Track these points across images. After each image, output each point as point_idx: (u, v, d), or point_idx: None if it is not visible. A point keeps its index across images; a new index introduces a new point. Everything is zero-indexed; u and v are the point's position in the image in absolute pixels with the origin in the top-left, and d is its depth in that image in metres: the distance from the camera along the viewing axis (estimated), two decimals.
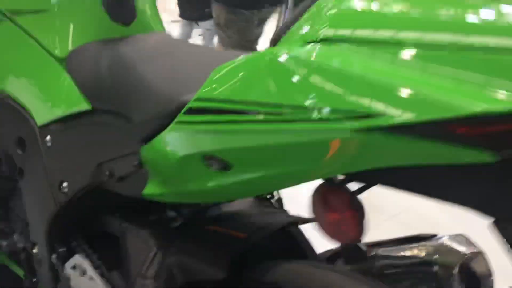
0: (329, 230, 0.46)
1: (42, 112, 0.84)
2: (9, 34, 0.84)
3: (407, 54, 0.35)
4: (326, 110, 0.37)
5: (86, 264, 0.80)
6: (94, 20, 0.83)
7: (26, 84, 0.86)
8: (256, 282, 0.70)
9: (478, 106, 0.31)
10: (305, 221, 0.79)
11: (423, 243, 0.81)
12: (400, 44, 0.36)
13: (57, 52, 0.82)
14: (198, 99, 0.47)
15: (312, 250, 0.83)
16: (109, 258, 0.84)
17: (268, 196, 0.93)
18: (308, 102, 0.38)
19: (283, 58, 0.41)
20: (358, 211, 0.44)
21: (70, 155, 0.82)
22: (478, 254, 0.76)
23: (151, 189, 0.67)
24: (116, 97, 0.70)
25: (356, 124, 0.35)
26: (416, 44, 0.35)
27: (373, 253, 0.88)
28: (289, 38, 0.45)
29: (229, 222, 0.82)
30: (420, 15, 0.38)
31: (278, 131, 0.40)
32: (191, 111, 0.48)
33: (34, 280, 1.09)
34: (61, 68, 0.81)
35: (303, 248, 0.82)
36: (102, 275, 0.79)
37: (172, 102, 0.54)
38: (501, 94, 0.31)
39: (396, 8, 0.38)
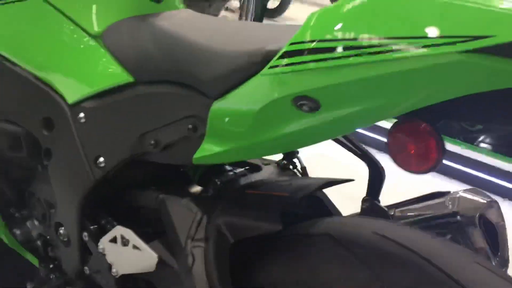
0: (414, 161, 0.52)
1: (75, 90, 0.85)
2: (39, 12, 0.86)
3: None
4: (432, 35, 0.43)
5: (129, 234, 0.82)
6: None
7: (56, 63, 0.87)
8: (303, 236, 0.75)
9: None
10: (337, 182, 0.86)
11: (441, 199, 0.89)
12: None
13: (92, 29, 0.84)
14: (294, 43, 0.52)
15: (339, 212, 0.89)
16: (150, 228, 0.87)
17: (291, 167, 0.99)
18: (412, 31, 0.43)
19: None
20: (439, 137, 0.51)
21: (107, 129, 0.83)
22: (493, 204, 0.85)
23: (205, 152, 0.70)
24: (168, 66, 0.73)
25: (464, 46, 0.41)
26: None
27: (392, 213, 0.96)
28: None
29: (265, 186, 0.87)
30: None
31: (377, 63, 0.46)
32: (286, 54, 0.52)
33: (51, 266, 1.09)
34: (97, 44, 0.84)
35: (331, 211, 0.88)
36: (147, 243, 0.81)
37: (256, 55, 0.58)
38: None
39: None
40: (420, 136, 0.51)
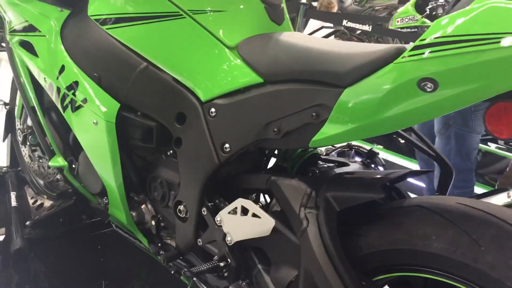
0: (506, 132, 0.72)
1: (209, 90, 1.08)
2: (188, 30, 1.10)
3: None
4: None
5: (249, 204, 1.01)
6: (258, 19, 1.11)
7: (195, 68, 1.10)
8: (396, 208, 0.94)
9: None
10: (417, 173, 1.05)
11: (503, 192, 1.07)
12: None
13: (229, 42, 1.08)
14: (422, 39, 0.73)
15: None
16: (265, 204, 1.06)
17: (372, 165, 1.18)
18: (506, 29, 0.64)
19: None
20: None
21: (234, 120, 1.04)
22: None
23: (324, 134, 0.90)
24: (298, 68, 0.94)
25: None
26: None
27: None
28: None
29: (359, 172, 1.06)
30: None
31: (482, 52, 0.66)
32: (416, 48, 0.73)
33: (159, 246, 1.28)
34: (232, 54, 1.07)
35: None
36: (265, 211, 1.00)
37: (390, 50, 0.79)
38: None
39: None
40: (509, 113, 0.71)
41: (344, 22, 3.12)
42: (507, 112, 0.73)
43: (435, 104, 0.75)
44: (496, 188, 1.10)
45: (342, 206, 0.93)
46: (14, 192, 1.97)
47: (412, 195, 1.06)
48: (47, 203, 1.85)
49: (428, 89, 0.73)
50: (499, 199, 1.04)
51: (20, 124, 1.86)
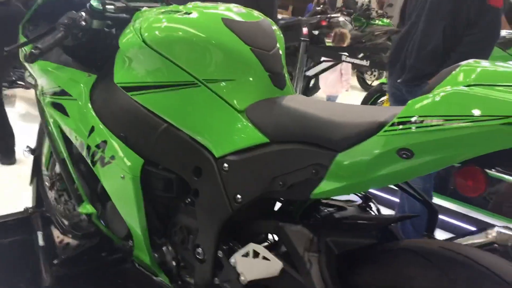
0: (470, 192, 0.87)
1: (222, 147, 1.24)
2: (202, 96, 1.27)
3: None
4: (480, 116, 0.79)
5: (260, 249, 1.17)
6: (263, 86, 1.27)
7: (209, 128, 1.26)
8: (389, 251, 1.08)
9: None
10: (407, 217, 1.20)
11: (482, 232, 1.21)
12: None
13: (239, 106, 1.24)
14: (401, 117, 0.89)
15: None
16: (273, 245, 1.21)
17: (367, 209, 1.33)
18: (474, 111, 0.80)
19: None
20: (487, 176, 0.86)
21: (245, 174, 1.20)
22: None
23: (322, 189, 1.05)
24: (299, 131, 1.11)
25: (496, 122, 0.77)
26: None
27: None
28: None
29: (355, 218, 1.22)
30: None
31: (451, 130, 0.82)
32: (396, 123, 0.89)
33: (179, 283, 1.43)
34: (242, 117, 1.23)
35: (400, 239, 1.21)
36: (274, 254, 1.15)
37: (375, 125, 0.96)
38: None
39: None
40: (474, 175, 0.87)
41: (344, 58, 3.31)
42: (473, 175, 0.89)
43: (411, 168, 0.91)
44: (478, 229, 1.24)
45: (340, 250, 1.09)
46: (41, 232, 2.13)
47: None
48: (73, 242, 2.01)
49: (405, 157, 0.89)
50: (479, 238, 1.18)
51: (47, 170, 2.04)
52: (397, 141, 0.90)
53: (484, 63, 0.92)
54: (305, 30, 6.14)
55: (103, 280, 2.00)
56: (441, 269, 0.96)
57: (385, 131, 0.92)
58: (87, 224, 1.88)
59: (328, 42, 6.74)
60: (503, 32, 3.39)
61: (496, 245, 1.15)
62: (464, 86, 0.86)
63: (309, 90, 6.27)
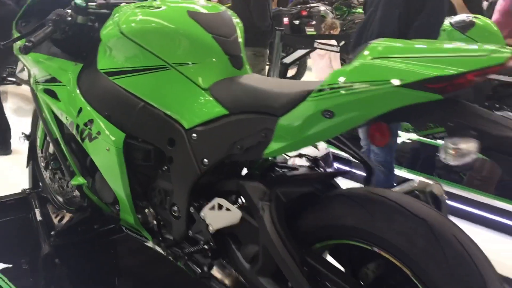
0: (378, 142, 1.12)
1: (190, 120, 1.47)
2: (173, 78, 1.50)
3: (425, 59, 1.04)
4: (380, 81, 1.04)
5: (223, 202, 1.41)
6: (224, 67, 1.51)
7: (180, 105, 1.49)
8: (325, 197, 1.33)
9: (434, 73, 0.99)
10: (344, 173, 1.44)
11: (406, 183, 1.45)
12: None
13: (203, 85, 1.48)
14: (323, 85, 1.12)
15: None
16: (235, 199, 1.45)
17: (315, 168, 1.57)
18: (376, 78, 1.05)
19: None
20: (390, 130, 1.11)
21: (210, 142, 1.44)
22: (437, 184, 1.41)
23: (272, 149, 1.29)
24: (252, 103, 1.34)
25: (391, 85, 1.01)
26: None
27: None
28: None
29: (301, 174, 1.46)
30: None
31: (361, 92, 1.05)
32: (320, 91, 1.13)
33: (161, 240, 1.67)
34: (206, 94, 1.47)
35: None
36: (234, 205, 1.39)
37: (305, 92, 1.19)
38: (442, 70, 0.99)
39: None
40: (381, 129, 1.12)
41: (316, 44, 3.54)
42: (380, 129, 1.14)
43: (334, 126, 1.15)
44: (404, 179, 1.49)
45: (287, 199, 1.33)
46: (38, 209, 2.36)
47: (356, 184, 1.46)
48: (67, 216, 2.24)
49: (328, 117, 1.13)
50: (404, 187, 1.43)
51: (42, 152, 2.26)
52: (320, 104, 1.14)
53: (389, 42, 1.16)
54: (285, 20, 6.37)
55: (96, 249, 2.24)
56: (364, 207, 1.21)
57: (312, 97, 1.16)
58: (79, 200, 2.10)
59: (309, 31, 6.97)
60: (463, 16, 3.64)
61: (416, 192, 1.40)
62: (371, 59, 1.10)
63: (296, 76, 6.51)
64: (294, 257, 1.24)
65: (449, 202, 1.45)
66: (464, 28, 3.46)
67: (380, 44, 1.15)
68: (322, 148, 2.90)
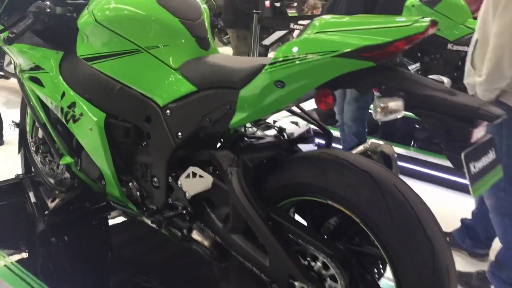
0: (323, 107, 1.28)
1: (164, 98, 1.62)
2: (146, 60, 1.65)
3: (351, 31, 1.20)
4: (321, 52, 1.19)
5: (197, 170, 1.56)
6: (192, 48, 1.66)
7: (154, 84, 1.64)
8: (286, 161, 1.49)
9: (365, 43, 1.14)
10: (303, 140, 1.60)
11: (362, 145, 1.62)
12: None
13: (174, 65, 1.63)
14: (275, 58, 1.27)
15: None
16: (207, 167, 1.60)
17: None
18: (318, 49, 1.20)
19: None
20: (334, 95, 1.27)
21: (183, 116, 1.59)
22: (388, 145, 1.57)
23: (236, 119, 1.44)
24: (216, 79, 1.49)
25: (330, 55, 1.17)
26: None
27: None
28: None
29: (266, 142, 1.62)
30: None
31: (308, 63, 1.19)
32: (272, 64, 1.28)
33: (144, 210, 1.82)
34: (177, 73, 1.62)
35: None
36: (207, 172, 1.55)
37: (261, 66, 1.34)
38: (372, 40, 1.14)
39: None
40: (326, 95, 1.28)
41: (292, 25, 3.68)
42: (325, 95, 1.30)
43: (286, 95, 1.30)
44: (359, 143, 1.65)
45: (253, 163, 1.49)
46: (32, 192, 2.51)
47: None
48: (59, 197, 2.39)
49: (280, 87, 1.29)
50: (358, 149, 1.59)
51: (31, 138, 2.40)
52: (272, 76, 1.29)
53: (330, 18, 1.31)
54: (267, 3, 6.47)
55: (87, 227, 2.40)
56: (318, 166, 1.37)
57: (265, 69, 1.31)
58: (70, 180, 2.25)
59: (291, 13, 7.08)
60: None
61: (369, 152, 1.56)
62: (314, 33, 1.25)
63: None
64: (260, 214, 1.40)
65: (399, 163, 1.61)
66: (432, 3, 3.60)
67: (322, 20, 1.30)
68: (303, 125, 3.08)
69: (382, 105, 1.14)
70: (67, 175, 2.27)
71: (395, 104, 1.14)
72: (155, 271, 2.07)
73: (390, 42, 1.14)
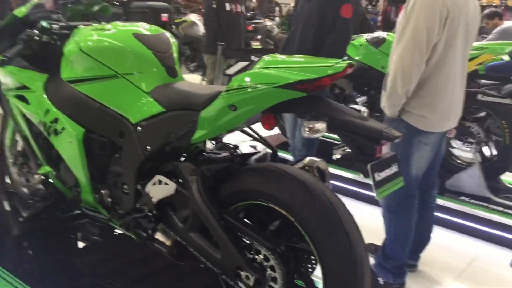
0: (267, 127, 1.61)
1: (136, 116, 1.91)
2: (122, 84, 1.94)
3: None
4: (266, 83, 1.52)
5: (162, 178, 1.85)
6: (162, 76, 1.97)
7: (128, 104, 1.93)
8: (244, 170, 1.79)
9: (299, 78, 1.48)
10: (251, 154, 1.92)
11: (302, 161, 1.94)
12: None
13: (146, 89, 1.93)
14: (231, 86, 1.59)
15: None
16: (171, 176, 1.89)
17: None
18: (264, 81, 1.52)
19: None
20: (276, 119, 1.59)
21: (152, 132, 1.88)
22: (323, 161, 1.90)
23: (197, 136, 1.74)
24: (182, 102, 1.80)
25: (272, 86, 1.50)
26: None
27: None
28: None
29: (221, 156, 1.92)
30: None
31: (257, 91, 1.53)
32: (227, 91, 1.59)
33: (114, 214, 2.08)
34: (148, 96, 1.91)
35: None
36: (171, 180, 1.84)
37: (218, 92, 1.65)
38: (304, 76, 1.48)
39: None
40: (269, 118, 1.60)
41: (252, 57, 4.04)
42: (269, 118, 1.62)
43: (237, 117, 1.62)
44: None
45: (209, 173, 1.79)
46: (7, 201, 2.72)
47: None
48: (33, 205, 2.61)
49: (233, 109, 1.60)
50: (298, 164, 1.91)
51: (9, 152, 2.63)
52: (227, 100, 1.61)
53: (274, 57, 1.64)
54: None
55: (58, 234, 2.62)
56: (262, 175, 1.68)
57: (221, 95, 1.63)
58: (43, 190, 2.48)
59: (255, 45, 7.51)
60: (378, 33, 4.24)
61: (307, 167, 1.88)
62: (261, 68, 1.58)
63: None
64: (215, 215, 1.69)
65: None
66: (377, 43, 4.04)
67: (270, 57, 1.63)
68: (260, 148, 3.42)
69: (310, 126, 1.47)
70: (41, 186, 2.50)
71: (320, 125, 1.48)
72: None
73: (317, 78, 1.48)
